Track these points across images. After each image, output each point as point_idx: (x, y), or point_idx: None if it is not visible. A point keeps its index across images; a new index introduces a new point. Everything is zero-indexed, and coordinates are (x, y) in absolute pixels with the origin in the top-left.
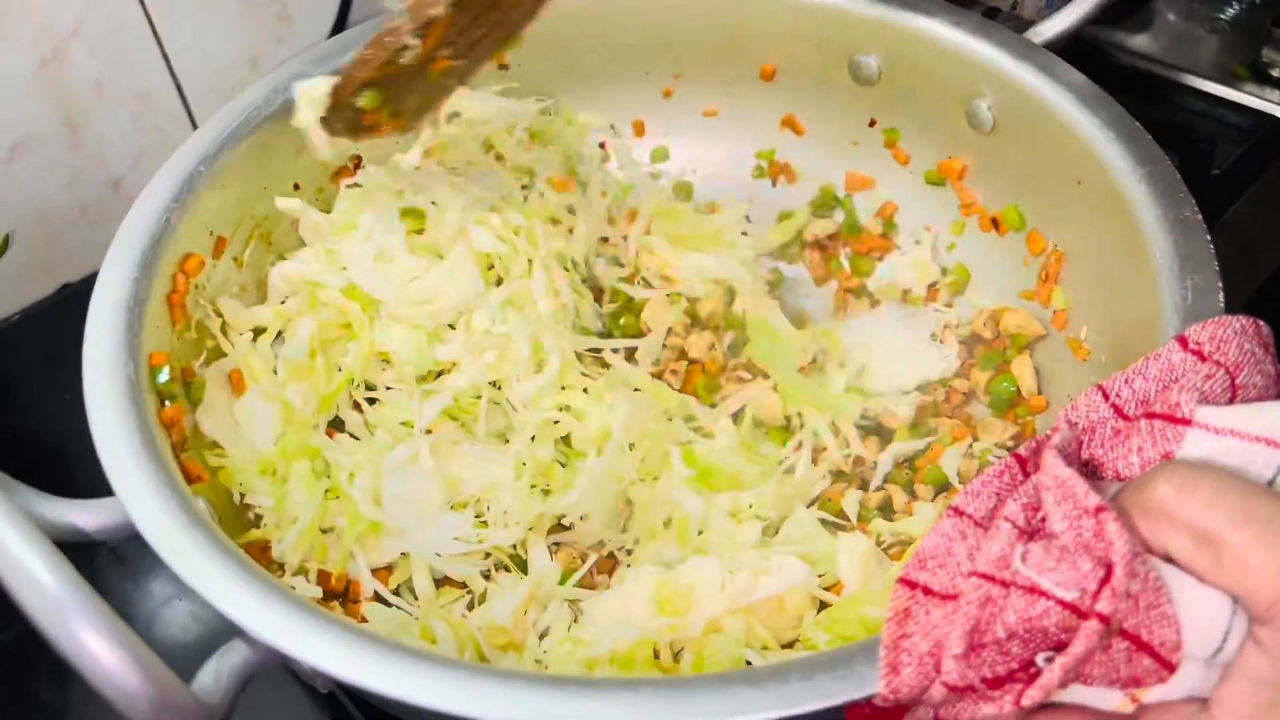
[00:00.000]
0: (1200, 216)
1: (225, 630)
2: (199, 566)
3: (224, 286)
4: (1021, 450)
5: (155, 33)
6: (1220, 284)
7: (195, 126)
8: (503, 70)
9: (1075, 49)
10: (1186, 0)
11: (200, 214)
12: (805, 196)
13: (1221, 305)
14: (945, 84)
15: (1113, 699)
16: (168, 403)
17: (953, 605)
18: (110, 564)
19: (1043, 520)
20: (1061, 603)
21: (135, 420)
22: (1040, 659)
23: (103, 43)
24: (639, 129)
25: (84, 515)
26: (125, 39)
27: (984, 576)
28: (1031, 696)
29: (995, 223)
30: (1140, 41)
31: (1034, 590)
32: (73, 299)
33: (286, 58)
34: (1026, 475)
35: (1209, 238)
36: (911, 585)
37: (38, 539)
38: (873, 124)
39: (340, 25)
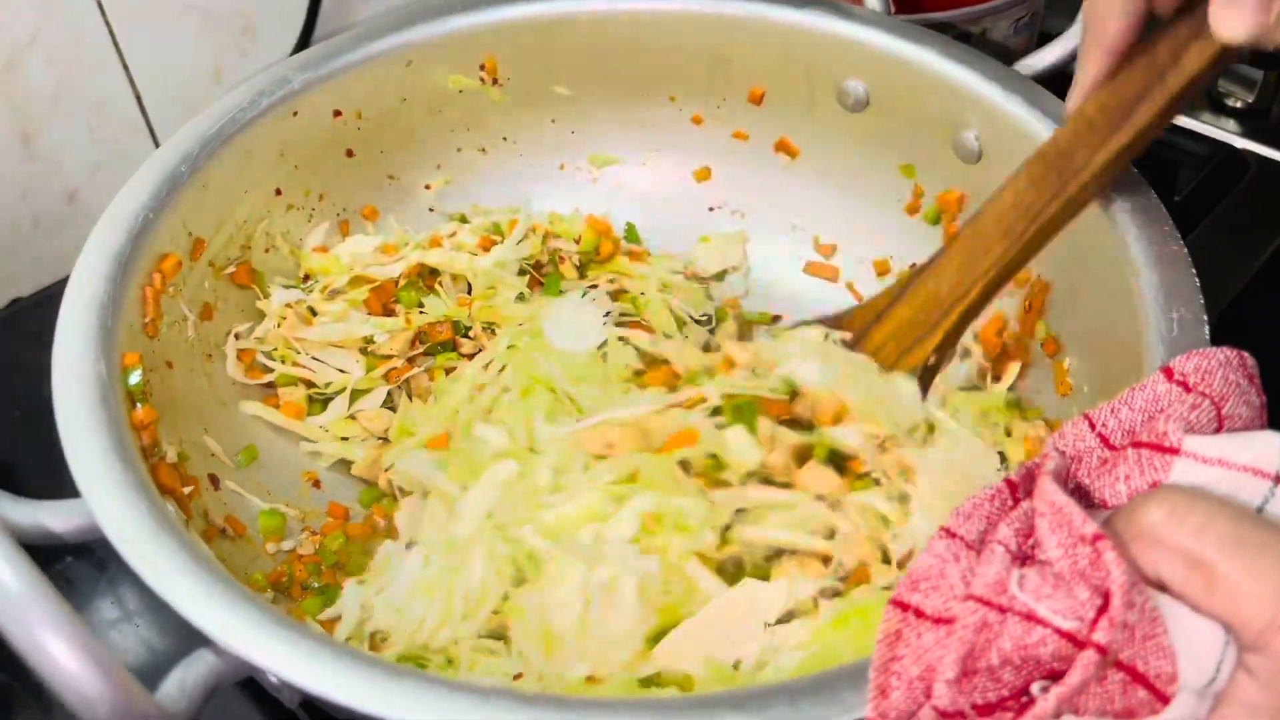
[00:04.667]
0: (1185, 250)
1: (175, 653)
2: (165, 572)
3: (199, 291)
4: (1012, 475)
5: (116, 43)
6: (1205, 317)
7: (155, 138)
8: (495, 85)
9: (1034, 76)
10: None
11: (180, 213)
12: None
13: (1207, 338)
14: (932, 113)
15: None
16: (139, 405)
17: (946, 629)
18: (59, 588)
19: (1034, 546)
20: (1059, 631)
21: (105, 420)
22: (1035, 688)
23: (61, 52)
24: None
25: (50, 516)
26: (84, 49)
27: (980, 600)
28: None
29: None
30: None
31: (1031, 618)
32: (23, 314)
33: (257, 69)
34: (1017, 501)
35: (1194, 271)
36: (904, 607)
37: (1, 537)
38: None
39: (306, 38)
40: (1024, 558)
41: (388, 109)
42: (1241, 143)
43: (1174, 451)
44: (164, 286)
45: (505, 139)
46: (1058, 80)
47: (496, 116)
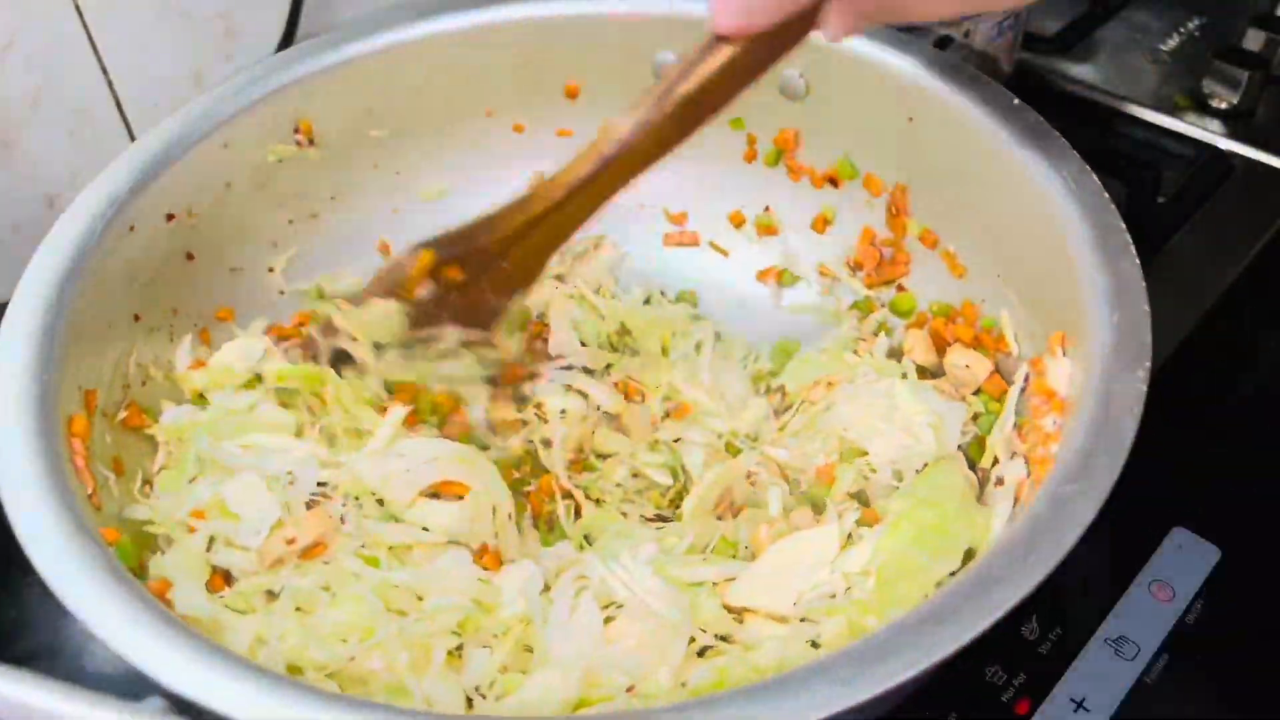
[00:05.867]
0: (1036, 114)
1: None
2: None
3: (104, 447)
4: None
5: (94, 46)
6: (1088, 167)
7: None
8: (312, 146)
9: (1020, 78)
10: (1128, 31)
11: (69, 367)
12: None
13: (1099, 185)
14: None
15: None
16: (149, 580)
17: None
18: (40, 594)
19: None
20: None
21: (143, 609)
22: None
23: (39, 56)
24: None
25: None
26: (62, 52)
27: None
28: None
29: (832, 180)
30: (1084, 71)
31: None
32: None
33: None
34: None
35: (1052, 129)
36: None
37: None
38: None
39: (288, 38)
40: None
41: (215, 199)
42: (1226, 144)
43: None
44: (87, 453)
45: (333, 198)
46: (1017, 76)
47: (319, 178)
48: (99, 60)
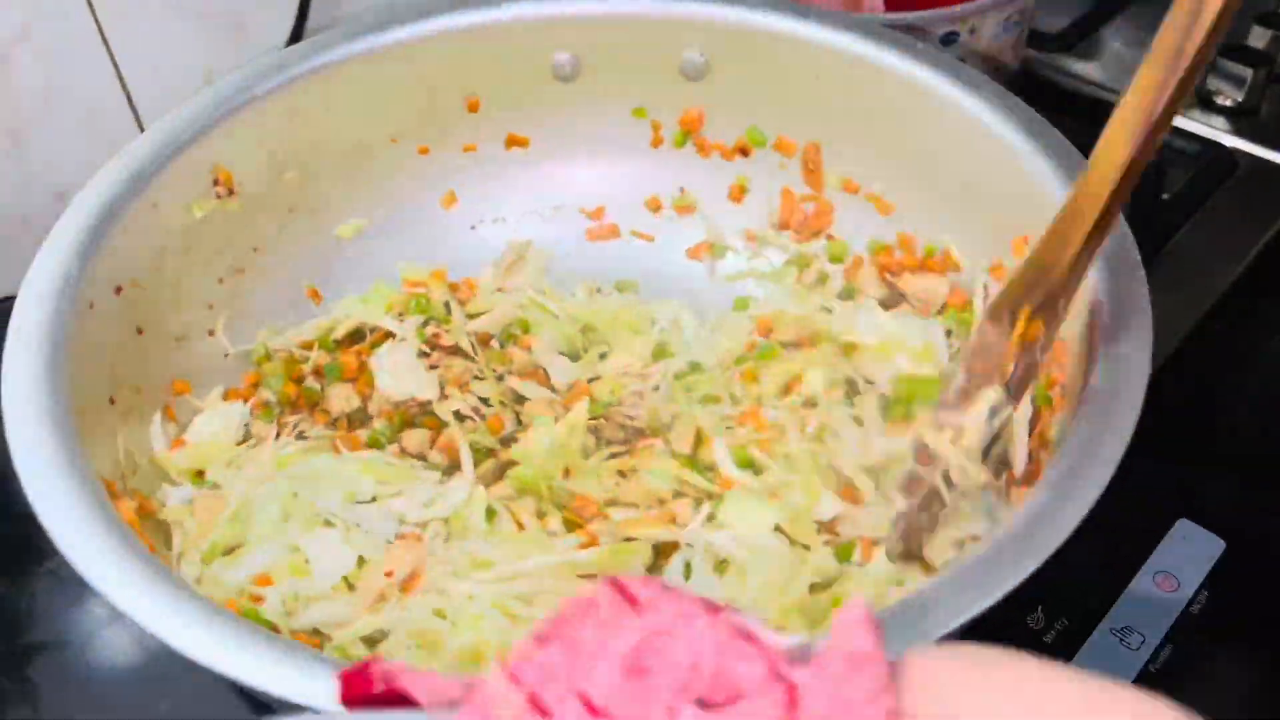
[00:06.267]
0: (950, 56)
1: (166, 655)
2: None
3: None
4: None
5: (105, 40)
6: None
7: None
8: (231, 196)
9: (1025, 75)
10: (1133, 29)
11: (91, 455)
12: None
13: (1042, 115)
14: (647, 53)
15: None
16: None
17: None
18: (49, 584)
19: None
20: None
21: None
22: None
23: (50, 49)
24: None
25: None
26: (74, 46)
27: None
28: None
29: (743, 151)
30: (1088, 69)
31: None
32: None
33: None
34: None
35: (971, 68)
36: None
37: None
38: None
39: (298, 33)
40: None
41: (151, 266)
42: (1230, 141)
43: None
44: (146, 535)
45: (255, 249)
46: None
47: (239, 230)
48: (110, 54)
